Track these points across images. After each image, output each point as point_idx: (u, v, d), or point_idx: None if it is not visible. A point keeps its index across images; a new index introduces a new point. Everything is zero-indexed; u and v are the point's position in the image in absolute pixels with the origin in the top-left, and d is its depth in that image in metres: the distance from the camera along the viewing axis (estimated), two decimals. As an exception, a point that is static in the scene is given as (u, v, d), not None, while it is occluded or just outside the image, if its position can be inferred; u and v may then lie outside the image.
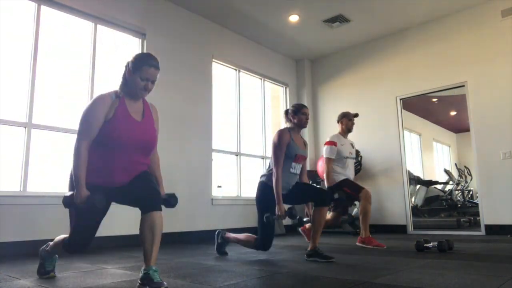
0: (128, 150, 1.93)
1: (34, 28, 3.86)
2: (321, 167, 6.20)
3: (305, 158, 3.13)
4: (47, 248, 2.21)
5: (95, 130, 1.88)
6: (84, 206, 1.80)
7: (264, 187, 3.05)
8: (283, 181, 2.97)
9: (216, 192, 5.35)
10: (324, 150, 3.96)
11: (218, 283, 1.95)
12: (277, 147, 2.96)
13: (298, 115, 3.07)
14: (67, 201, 1.84)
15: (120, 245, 4.08)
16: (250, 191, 5.93)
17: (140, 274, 1.78)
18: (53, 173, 3.88)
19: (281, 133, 3.00)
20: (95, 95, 4.21)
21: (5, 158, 3.53)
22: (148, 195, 1.83)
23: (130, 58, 2.08)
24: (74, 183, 1.83)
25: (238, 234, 3.26)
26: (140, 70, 2.02)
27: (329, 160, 3.90)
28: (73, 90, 4.15)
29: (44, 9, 3.97)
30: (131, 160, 1.95)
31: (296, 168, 3.07)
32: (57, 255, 2.24)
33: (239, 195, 5.69)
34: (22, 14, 3.86)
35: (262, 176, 3.15)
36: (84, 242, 2.01)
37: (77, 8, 4.16)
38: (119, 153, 1.91)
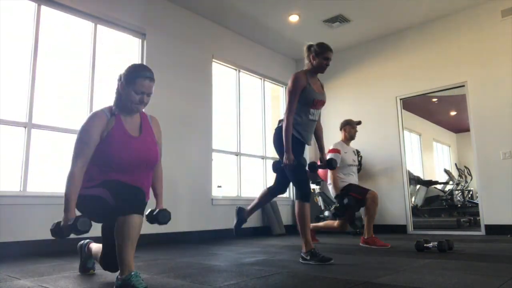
0: (128, 168, 1.86)
1: (34, 28, 3.86)
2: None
3: (323, 103, 2.90)
4: (86, 250, 2.25)
5: (90, 150, 1.82)
6: (67, 231, 1.76)
7: (280, 133, 2.83)
8: (302, 129, 2.79)
9: (216, 192, 5.35)
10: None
11: (218, 283, 1.95)
12: (291, 91, 2.75)
13: (319, 57, 2.81)
14: (55, 231, 1.83)
15: (120, 245, 4.08)
16: (250, 191, 5.94)
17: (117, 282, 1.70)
18: (53, 173, 3.88)
19: (296, 77, 2.77)
20: (95, 95, 4.23)
21: (5, 158, 3.53)
22: (129, 197, 1.76)
23: (122, 70, 1.96)
24: (64, 206, 1.80)
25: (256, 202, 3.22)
26: (134, 83, 1.87)
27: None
28: (73, 90, 4.15)
29: (44, 9, 3.97)
30: (133, 179, 1.88)
31: (315, 114, 2.85)
32: None
33: (239, 195, 5.69)
34: (22, 14, 3.86)
35: (279, 123, 2.94)
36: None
37: (77, 8, 4.16)
38: (120, 172, 1.85)
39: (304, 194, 2.71)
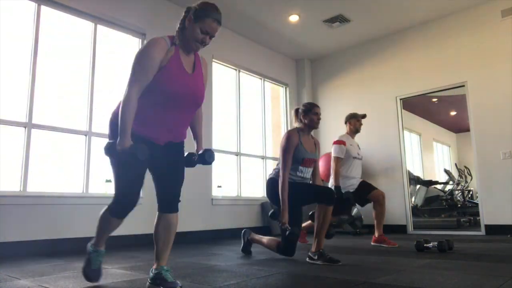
0: (178, 104, 1.81)
1: (34, 28, 3.86)
2: (321, 166, 6.21)
3: (314, 161, 2.99)
4: (93, 243, 1.98)
5: (149, 75, 1.73)
6: (125, 156, 1.62)
7: (273, 183, 2.94)
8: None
9: (216, 192, 5.35)
10: (333, 149, 3.92)
11: (218, 283, 1.95)
12: (285, 149, 2.86)
13: (309, 115, 2.92)
14: (108, 149, 1.67)
15: (120, 245, 4.08)
16: (250, 191, 5.94)
17: (151, 274, 1.76)
18: (53, 173, 3.88)
19: (289, 135, 2.89)
20: (95, 95, 4.23)
21: (5, 158, 3.53)
22: (170, 197, 1.89)
23: (194, 3, 1.91)
24: (119, 130, 1.65)
25: (263, 236, 3.17)
26: (203, 21, 1.84)
27: (337, 159, 3.85)
28: (73, 90, 4.15)
29: (44, 9, 3.97)
30: (180, 117, 1.85)
31: (304, 171, 2.93)
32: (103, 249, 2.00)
33: (239, 195, 5.69)
34: (22, 14, 3.86)
35: (270, 174, 3.08)
36: (128, 202, 1.82)
37: (77, 8, 4.16)
38: (169, 107, 1.79)
39: (282, 250, 2.92)
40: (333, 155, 3.92)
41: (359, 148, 4.16)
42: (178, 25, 1.91)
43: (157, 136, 1.80)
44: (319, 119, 2.95)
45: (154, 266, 1.78)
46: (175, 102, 1.80)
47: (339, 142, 3.92)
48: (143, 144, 1.65)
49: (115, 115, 1.81)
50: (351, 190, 3.87)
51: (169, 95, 1.77)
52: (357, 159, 3.98)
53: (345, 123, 4.17)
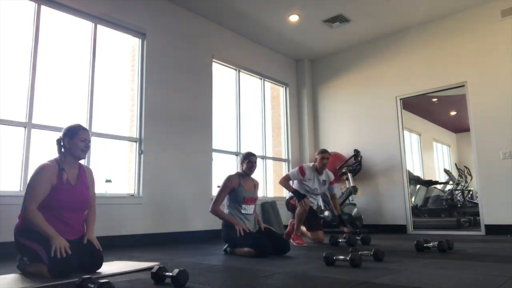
0: (69, 209, 2.35)
1: (34, 28, 3.86)
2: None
3: (255, 199, 3.41)
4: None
5: (42, 197, 2.26)
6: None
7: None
8: (240, 220, 3.29)
9: (216, 192, 5.34)
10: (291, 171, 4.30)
11: (218, 283, 1.95)
12: (220, 189, 3.34)
13: (245, 162, 3.38)
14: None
15: (120, 245, 4.08)
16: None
17: None
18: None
19: (229, 178, 3.34)
20: (95, 95, 4.23)
21: (5, 158, 3.53)
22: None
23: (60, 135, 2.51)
24: (48, 235, 2.17)
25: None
26: (77, 134, 2.44)
27: (287, 177, 4.19)
28: (73, 90, 4.15)
29: (44, 9, 3.97)
30: (71, 217, 2.37)
31: (247, 209, 3.34)
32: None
33: (239, 195, 5.69)
34: (22, 14, 3.86)
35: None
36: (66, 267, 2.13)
37: (77, 8, 4.16)
38: (61, 212, 2.32)
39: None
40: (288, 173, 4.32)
41: (324, 185, 4.27)
42: (59, 154, 2.45)
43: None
44: (253, 166, 3.40)
45: None
46: (66, 207, 2.37)
47: (299, 168, 4.21)
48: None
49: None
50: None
51: (60, 204, 2.34)
52: (310, 193, 4.21)
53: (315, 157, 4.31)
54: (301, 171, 4.16)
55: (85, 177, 2.52)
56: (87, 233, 2.46)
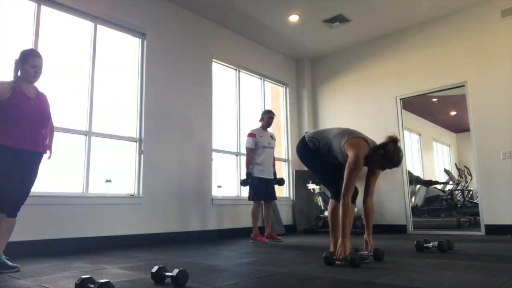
0: (26, 119, 2.54)
1: (34, 28, 3.86)
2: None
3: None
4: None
5: None
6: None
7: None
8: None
9: (216, 192, 5.35)
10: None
11: (218, 283, 1.95)
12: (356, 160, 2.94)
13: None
14: None
15: (120, 245, 4.08)
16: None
17: None
18: (53, 173, 3.88)
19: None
20: (95, 95, 4.23)
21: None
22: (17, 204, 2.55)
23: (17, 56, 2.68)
24: None
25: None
26: (28, 60, 2.60)
27: (249, 150, 4.63)
28: (73, 90, 4.15)
29: (44, 9, 3.97)
30: (29, 128, 2.55)
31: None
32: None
33: (239, 195, 5.69)
34: (22, 14, 3.86)
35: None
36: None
37: (77, 8, 4.16)
38: (20, 122, 2.51)
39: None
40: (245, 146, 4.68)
41: (273, 139, 4.81)
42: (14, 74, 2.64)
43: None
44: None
45: None
46: (24, 118, 2.57)
47: (248, 135, 4.65)
48: None
49: None
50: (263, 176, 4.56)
51: (18, 114, 2.55)
52: (267, 148, 4.65)
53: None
54: (252, 135, 4.63)
55: (43, 97, 2.72)
56: (48, 144, 2.78)
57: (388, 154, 2.63)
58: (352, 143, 2.66)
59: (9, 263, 2.40)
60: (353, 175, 2.57)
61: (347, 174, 2.58)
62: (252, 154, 4.58)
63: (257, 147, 4.58)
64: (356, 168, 2.57)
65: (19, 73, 2.62)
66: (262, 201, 4.61)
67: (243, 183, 4.58)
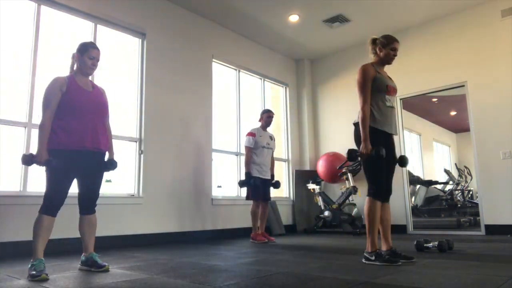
0: (85, 113, 2.48)
1: (34, 28, 3.86)
2: (321, 166, 6.21)
3: (396, 90, 2.86)
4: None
5: (54, 104, 2.42)
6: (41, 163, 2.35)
7: (356, 127, 2.76)
8: (382, 117, 2.71)
9: (216, 192, 5.35)
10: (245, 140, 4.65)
11: (218, 283, 1.95)
12: (361, 82, 2.71)
13: (386, 48, 2.86)
14: (26, 160, 2.37)
15: (120, 245, 4.08)
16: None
17: (82, 258, 2.47)
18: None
19: (364, 68, 2.75)
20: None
21: (5, 158, 3.53)
22: (90, 197, 2.52)
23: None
24: (39, 144, 2.39)
25: None
26: (87, 51, 2.54)
27: (248, 149, 4.58)
28: (73, 90, 4.15)
29: (44, 9, 3.97)
30: (90, 122, 2.48)
31: (391, 100, 2.80)
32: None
33: (239, 195, 5.69)
34: (22, 14, 3.86)
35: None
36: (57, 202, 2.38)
37: (77, 8, 4.16)
38: (79, 116, 2.45)
39: (373, 191, 2.61)
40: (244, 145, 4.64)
41: (272, 139, 4.78)
42: (70, 69, 2.64)
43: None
44: (395, 55, 2.85)
45: (84, 254, 2.48)
46: (82, 111, 2.51)
47: (248, 134, 4.62)
48: (58, 160, 2.36)
49: None
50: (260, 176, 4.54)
51: (76, 107, 2.49)
52: (265, 148, 4.63)
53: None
54: (251, 134, 4.61)
55: (100, 90, 2.66)
56: (110, 155, 2.70)
57: (383, 41, 2.88)
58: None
59: (99, 261, 2.43)
60: (362, 87, 2.69)
61: (359, 89, 2.71)
62: (251, 153, 4.56)
63: (256, 146, 4.55)
64: (364, 80, 2.69)
65: (75, 67, 2.58)
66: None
67: (242, 184, 4.53)
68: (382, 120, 2.71)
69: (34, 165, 2.45)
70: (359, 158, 2.64)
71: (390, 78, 2.89)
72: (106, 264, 2.43)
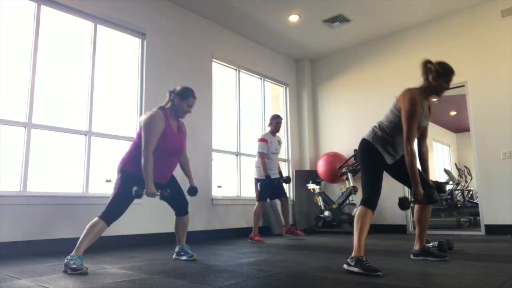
0: (168, 155, 2.72)
1: (34, 28, 3.86)
2: (321, 166, 6.21)
3: (420, 131, 2.64)
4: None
5: (156, 140, 2.62)
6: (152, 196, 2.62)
7: (364, 142, 2.57)
8: (392, 149, 2.54)
9: (216, 192, 5.35)
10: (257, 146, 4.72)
11: (218, 283, 1.95)
12: (409, 115, 2.41)
13: (441, 79, 2.64)
14: (138, 194, 2.57)
15: (121, 245, 4.08)
16: (250, 191, 5.92)
17: (176, 249, 2.98)
18: (53, 173, 3.88)
19: (413, 97, 2.47)
20: (95, 95, 4.23)
21: (5, 158, 3.53)
22: (183, 204, 2.97)
23: (176, 88, 2.87)
24: (147, 179, 2.58)
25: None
26: (187, 99, 2.78)
27: (262, 154, 4.66)
28: (73, 90, 4.15)
29: (44, 9, 3.97)
30: (169, 162, 2.76)
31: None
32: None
33: (239, 195, 5.69)
34: (22, 14, 3.86)
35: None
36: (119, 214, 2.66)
37: (77, 8, 4.16)
38: (164, 157, 2.69)
39: (365, 198, 2.46)
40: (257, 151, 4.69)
41: (280, 144, 4.92)
42: (169, 103, 2.82)
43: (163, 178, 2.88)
44: (447, 88, 2.65)
45: (178, 246, 2.98)
46: (169, 151, 2.76)
47: (260, 140, 4.71)
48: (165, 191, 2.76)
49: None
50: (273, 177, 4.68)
51: (167, 148, 2.73)
52: (275, 154, 4.77)
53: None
54: (264, 141, 4.70)
55: (182, 129, 2.88)
56: (190, 182, 3.10)
57: (438, 70, 2.62)
58: (403, 94, 2.54)
59: (189, 251, 2.92)
60: (411, 122, 2.40)
61: (405, 121, 2.41)
62: (264, 159, 4.65)
63: (268, 152, 4.68)
64: (413, 113, 2.40)
65: (169, 104, 2.79)
66: (278, 199, 4.80)
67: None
68: (392, 151, 2.56)
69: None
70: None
71: (429, 109, 2.69)
72: (194, 254, 2.90)
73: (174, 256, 2.97)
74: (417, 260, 2.66)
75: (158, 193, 2.65)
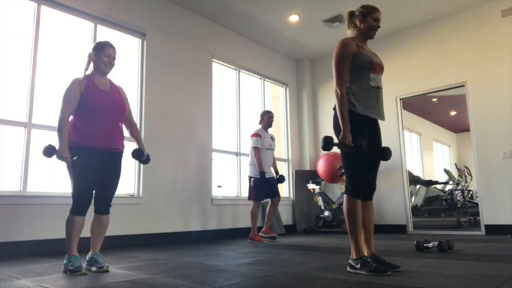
0: (100, 114, 2.48)
1: (34, 28, 3.86)
2: (321, 166, 6.21)
3: (382, 68, 2.46)
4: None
5: (73, 104, 2.43)
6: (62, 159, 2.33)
7: (336, 113, 2.32)
8: (365, 99, 2.29)
9: (216, 192, 5.35)
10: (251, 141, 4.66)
11: (218, 283, 1.95)
12: (339, 58, 2.30)
13: (367, 19, 2.46)
14: (47, 151, 2.30)
15: (120, 245, 4.08)
16: (250, 191, 5.93)
17: (87, 258, 2.46)
18: (53, 173, 3.88)
19: (343, 42, 2.35)
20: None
21: (5, 158, 3.53)
22: (105, 200, 2.52)
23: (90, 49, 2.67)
24: (59, 138, 2.36)
25: None
26: (103, 50, 2.59)
27: (257, 149, 4.58)
28: (73, 90, 4.14)
29: (44, 9, 3.97)
30: (104, 123, 2.48)
31: (376, 80, 2.37)
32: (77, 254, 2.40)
33: (239, 195, 5.69)
34: (22, 14, 3.86)
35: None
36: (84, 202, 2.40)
37: (77, 8, 4.16)
38: (95, 117, 2.46)
39: (352, 187, 2.26)
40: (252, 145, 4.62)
41: (273, 140, 4.83)
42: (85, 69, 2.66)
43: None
44: (378, 26, 2.48)
45: (90, 252, 2.49)
46: (100, 113, 2.52)
47: (254, 135, 4.63)
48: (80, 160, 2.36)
49: None
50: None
51: (93, 109, 2.50)
52: (269, 150, 4.68)
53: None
54: (257, 136, 4.62)
55: (117, 90, 2.66)
56: (139, 144, 2.72)
57: (362, 11, 2.45)
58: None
59: (100, 260, 2.44)
60: (340, 65, 2.28)
61: (334, 65, 2.30)
62: (259, 153, 4.56)
63: (262, 147, 4.60)
64: (342, 55, 2.29)
65: (91, 65, 2.61)
66: (269, 199, 4.67)
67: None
68: (366, 103, 2.28)
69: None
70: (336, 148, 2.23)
71: (376, 55, 2.51)
72: (106, 264, 2.41)
73: (84, 264, 2.44)
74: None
75: (70, 159, 2.31)
